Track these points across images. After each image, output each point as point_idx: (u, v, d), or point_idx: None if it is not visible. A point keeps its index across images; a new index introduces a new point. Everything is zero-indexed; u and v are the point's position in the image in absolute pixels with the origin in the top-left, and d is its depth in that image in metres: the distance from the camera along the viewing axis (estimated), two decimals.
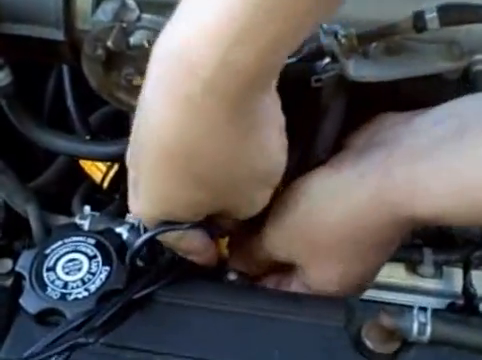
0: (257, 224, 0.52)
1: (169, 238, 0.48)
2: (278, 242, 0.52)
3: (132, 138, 0.45)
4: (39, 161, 0.74)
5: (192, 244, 0.49)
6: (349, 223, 0.49)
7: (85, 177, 0.70)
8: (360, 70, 0.49)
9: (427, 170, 0.47)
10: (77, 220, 0.57)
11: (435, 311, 0.46)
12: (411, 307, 0.46)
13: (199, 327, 0.47)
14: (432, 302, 0.60)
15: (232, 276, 0.55)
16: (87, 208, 0.58)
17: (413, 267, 0.60)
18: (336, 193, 0.50)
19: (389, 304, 0.60)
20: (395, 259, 0.59)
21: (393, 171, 0.47)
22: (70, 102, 0.69)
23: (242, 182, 0.45)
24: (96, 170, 0.68)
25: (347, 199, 0.49)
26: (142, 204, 0.46)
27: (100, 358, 0.46)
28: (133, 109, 0.53)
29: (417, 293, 0.61)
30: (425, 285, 0.60)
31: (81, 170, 0.70)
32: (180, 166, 0.42)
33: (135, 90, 0.51)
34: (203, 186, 0.44)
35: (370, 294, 0.61)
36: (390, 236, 0.50)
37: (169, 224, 0.46)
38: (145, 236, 0.48)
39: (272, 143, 0.45)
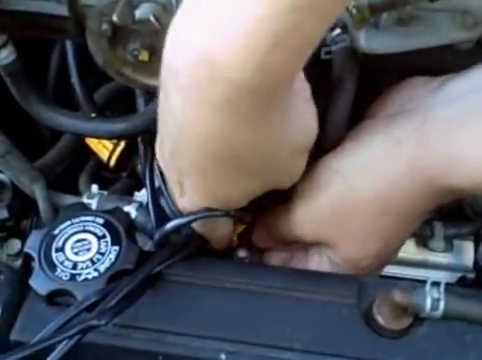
0: (282, 203, 0.52)
1: (205, 224, 0.48)
2: (308, 223, 0.51)
3: (165, 147, 0.45)
4: (45, 140, 0.73)
5: (223, 230, 0.50)
6: (386, 197, 0.48)
7: (92, 155, 0.70)
8: (371, 41, 0.48)
9: (466, 139, 0.45)
10: (85, 199, 0.56)
11: (448, 286, 0.46)
12: (423, 282, 0.46)
13: (211, 306, 0.47)
14: (443, 276, 0.60)
15: (242, 253, 0.55)
16: (94, 187, 0.58)
17: (423, 241, 0.60)
18: (370, 166, 0.48)
19: (400, 279, 0.60)
20: None
21: (430, 139, 0.46)
22: (74, 78, 0.68)
23: (286, 158, 0.46)
24: (102, 148, 0.67)
25: (382, 171, 0.48)
26: (190, 199, 0.46)
27: (112, 339, 0.46)
28: (139, 85, 0.52)
29: (428, 267, 0.60)
30: (436, 259, 0.60)
31: (87, 148, 0.69)
32: (230, 165, 0.43)
33: (141, 66, 0.50)
34: (253, 175, 0.45)
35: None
36: (425, 207, 0.49)
37: (210, 210, 0.46)
38: (185, 219, 0.48)
39: (306, 115, 0.45)
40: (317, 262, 0.53)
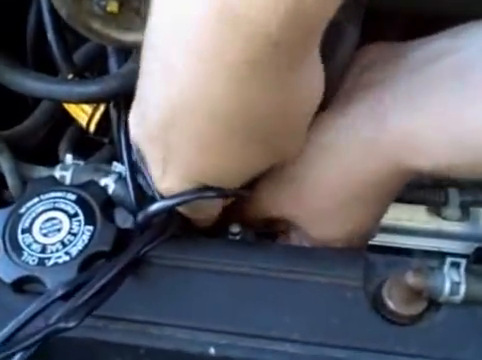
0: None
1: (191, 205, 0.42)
2: (274, 204, 0.46)
3: (150, 118, 0.38)
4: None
5: (211, 210, 0.44)
6: (347, 181, 0.43)
7: (71, 121, 0.64)
8: None
9: (425, 119, 0.40)
10: (57, 172, 0.50)
11: (469, 266, 0.40)
12: (436, 253, 0.40)
13: (198, 292, 0.42)
14: (458, 247, 0.54)
15: (235, 228, 0.49)
16: (68, 157, 0.52)
17: (437, 210, 0.54)
18: (330, 150, 0.44)
19: (410, 251, 0.54)
20: (417, 201, 0.53)
21: (388, 121, 0.41)
22: (50, 35, 0.61)
23: (304, 123, 0.41)
24: (81, 112, 0.61)
25: (341, 156, 0.43)
26: (175, 180, 0.40)
27: (87, 331, 0.40)
28: (112, 41, 0.46)
29: (442, 237, 0.55)
30: (450, 229, 0.54)
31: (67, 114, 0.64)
32: (241, 137, 0.37)
33: (112, 18, 0.44)
34: (265, 147, 0.39)
35: (390, 240, 0.55)
36: (392, 187, 0.44)
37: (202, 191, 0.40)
38: (173, 201, 0.41)
39: (316, 74, 0.39)
40: (298, 242, 0.48)
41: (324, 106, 0.45)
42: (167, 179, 0.40)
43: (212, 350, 0.40)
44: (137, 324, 0.41)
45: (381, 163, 0.42)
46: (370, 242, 0.55)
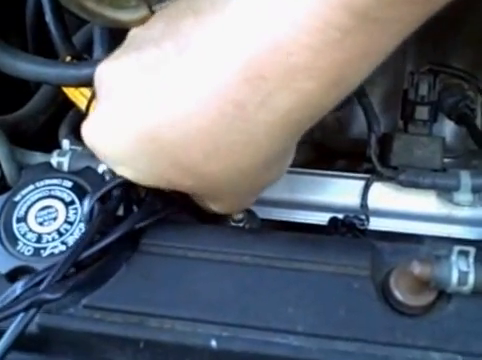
0: None
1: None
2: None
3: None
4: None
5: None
6: None
7: (72, 106, 0.62)
8: None
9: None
10: (55, 158, 0.49)
11: (479, 254, 0.38)
12: (447, 239, 0.38)
13: (200, 282, 0.40)
14: (470, 233, 0.52)
15: (239, 215, 0.47)
16: (66, 143, 0.50)
17: (448, 194, 0.52)
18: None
19: (420, 237, 0.52)
20: (426, 186, 0.51)
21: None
22: (48, 16, 0.60)
23: None
24: (80, 95, 0.59)
25: None
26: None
27: (84, 323, 0.39)
28: (107, 21, 0.44)
29: (453, 223, 0.52)
30: (462, 214, 0.52)
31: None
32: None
33: None
34: None
35: (398, 226, 0.53)
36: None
37: None
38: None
39: None
40: None
41: None
42: None
43: (213, 343, 0.38)
44: (136, 316, 0.39)
45: None
46: (379, 228, 0.53)
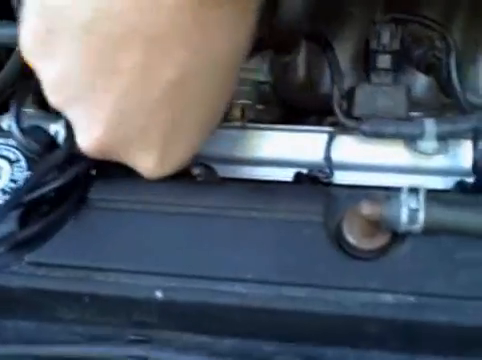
0: None
1: None
2: None
3: None
4: None
5: None
6: None
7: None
8: None
9: None
10: (6, 120, 0.48)
11: (431, 192, 0.37)
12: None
13: (146, 235, 0.39)
14: (437, 182, 0.51)
15: (196, 170, 0.46)
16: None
17: (412, 142, 0.50)
18: None
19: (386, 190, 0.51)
20: (389, 135, 0.50)
21: None
22: None
23: None
24: None
25: None
26: None
27: (26, 280, 0.38)
28: None
29: (419, 173, 0.51)
30: (428, 163, 0.50)
31: None
32: None
33: None
34: None
35: (364, 178, 0.52)
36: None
37: None
38: None
39: None
40: None
41: None
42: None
43: (159, 294, 0.37)
44: (80, 271, 0.38)
45: None
46: (346, 182, 0.52)
